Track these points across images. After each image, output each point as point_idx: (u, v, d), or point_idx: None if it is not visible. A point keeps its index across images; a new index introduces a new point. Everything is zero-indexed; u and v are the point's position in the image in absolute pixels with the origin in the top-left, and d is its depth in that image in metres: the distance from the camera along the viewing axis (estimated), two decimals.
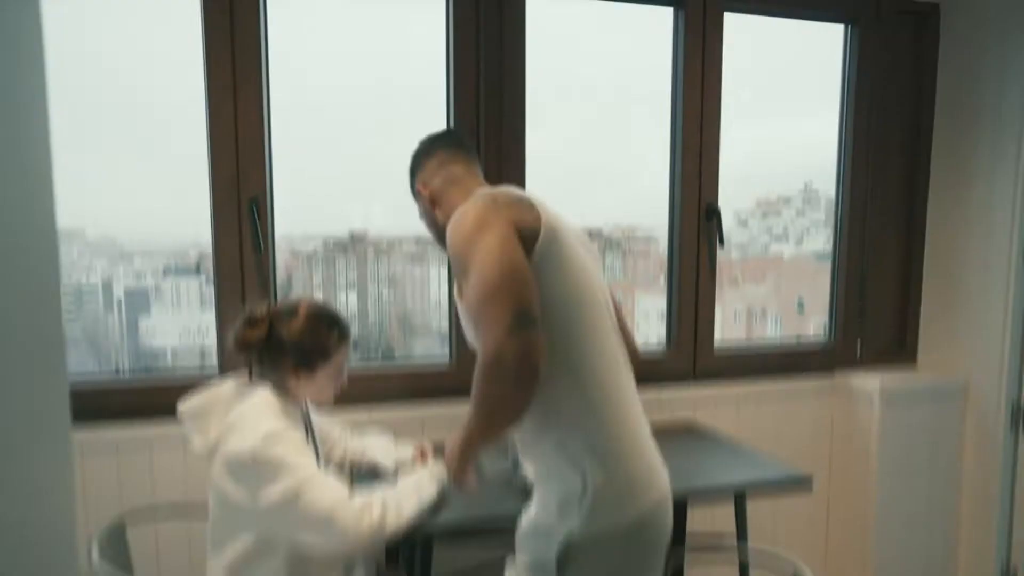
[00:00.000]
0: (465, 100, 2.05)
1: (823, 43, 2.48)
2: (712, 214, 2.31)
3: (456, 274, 1.23)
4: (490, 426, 1.19)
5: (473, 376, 1.14)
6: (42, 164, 0.44)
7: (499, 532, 1.82)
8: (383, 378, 2.05)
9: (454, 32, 2.04)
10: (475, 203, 1.20)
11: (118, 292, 2.26)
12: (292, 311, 1.49)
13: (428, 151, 1.44)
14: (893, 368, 2.52)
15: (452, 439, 1.29)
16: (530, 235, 1.18)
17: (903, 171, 2.51)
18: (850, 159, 2.45)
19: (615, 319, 1.33)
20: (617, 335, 1.31)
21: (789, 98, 2.51)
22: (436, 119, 2.09)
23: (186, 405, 1.49)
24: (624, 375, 1.29)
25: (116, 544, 1.58)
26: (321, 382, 1.51)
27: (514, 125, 2.09)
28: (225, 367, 1.84)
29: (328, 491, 1.36)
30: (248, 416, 1.42)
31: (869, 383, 2.37)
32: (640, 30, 2.31)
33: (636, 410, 1.29)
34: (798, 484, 1.72)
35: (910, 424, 2.37)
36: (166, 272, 2.32)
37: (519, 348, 1.08)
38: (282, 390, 1.50)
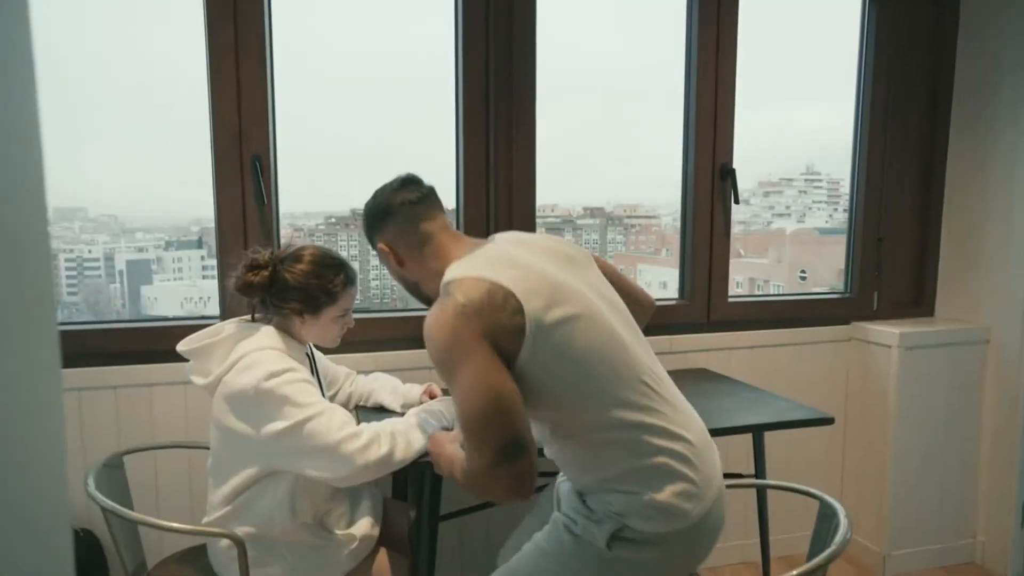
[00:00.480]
0: (474, 83, 2.02)
1: (834, 24, 2.46)
2: (727, 174, 2.28)
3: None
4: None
5: (458, 466, 1.14)
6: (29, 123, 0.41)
7: None
8: (389, 323, 2.02)
9: (464, 13, 2.00)
10: (446, 312, 1.09)
11: (120, 264, 2.23)
12: (297, 256, 1.46)
13: (387, 210, 1.28)
14: (910, 320, 2.48)
15: (448, 451, 1.24)
16: (513, 340, 1.08)
17: (922, 129, 2.48)
18: (867, 120, 2.42)
19: (624, 314, 1.26)
20: (634, 334, 1.24)
21: (797, 82, 2.48)
22: (444, 101, 2.05)
23: (187, 342, 1.46)
24: (657, 371, 1.22)
25: (114, 478, 1.56)
26: (326, 325, 1.48)
27: (524, 109, 2.06)
28: (226, 316, 1.81)
29: (336, 421, 1.33)
30: (252, 353, 1.38)
31: (887, 331, 2.33)
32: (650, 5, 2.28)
33: (682, 403, 1.23)
34: (820, 421, 1.68)
35: (929, 371, 2.33)
36: (168, 246, 2.29)
37: (506, 481, 1.06)
38: (286, 332, 1.47)
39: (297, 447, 1.32)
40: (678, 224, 2.36)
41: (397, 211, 1.28)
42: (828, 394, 2.45)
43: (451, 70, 2.04)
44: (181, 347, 1.47)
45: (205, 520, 1.44)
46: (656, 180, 2.40)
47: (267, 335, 1.43)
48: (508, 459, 1.05)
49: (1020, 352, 2.29)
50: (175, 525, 1.35)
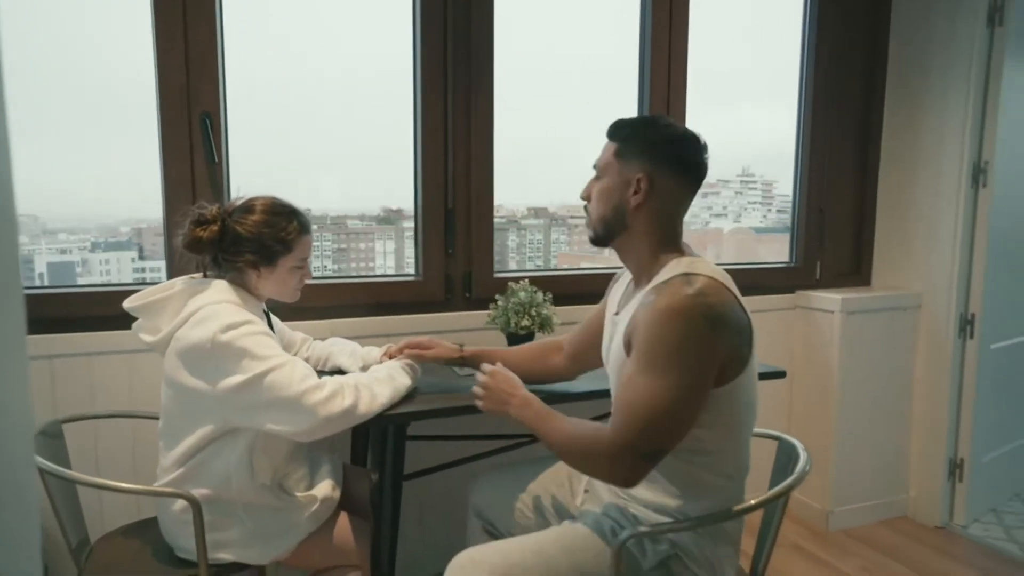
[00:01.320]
0: (433, 74, 2.00)
1: (773, 25, 2.56)
2: None
3: (629, 340, 1.13)
4: (553, 450, 1.19)
5: (585, 430, 1.13)
6: None
7: (469, 437, 1.79)
8: (348, 288, 1.98)
9: (421, 10, 1.98)
10: (696, 308, 1.05)
11: (40, 266, 2.02)
12: (247, 207, 1.42)
13: (687, 158, 1.18)
14: (849, 289, 2.60)
15: (528, 410, 1.22)
16: (736, 364, 1.11)
17: (859, 107, 2.61)
18: (811, 102, 2.53)
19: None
20: None
21: (735, 86, 2.55)
22: (400, 101, 2.01)
23: (135, 299, 1.39)
24: None
25: (53, 448, 1.47)
26: (283, 277, 1.43)
27: (482, 73, 2.05)
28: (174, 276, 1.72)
29: (297, 372, 1.29)
30: (208, 307, 1.33)
31: (830, 297, 2.44)
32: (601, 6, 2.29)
33: None
34: (773, 375, 1.74)
35: (868, 335, 2.45)
36: (95, 247, 2.12)
37: (628, 472, 1.08)
38: (241, 287, 1.42)
39: (257, 401, 1.27)
40: None
41: (692, 169, 1.18)
42: (775, 360, 2.53)
43: (408, 66, 2.02)
44: (128, 303, 1.39)
45: (156, 484, 1.38)
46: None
47: (221, 289, 1.38)
48: (647, 460, 1.08)
49: (948, 317, 2.44)
50: (124, 485, 1.29)
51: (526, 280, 1.94)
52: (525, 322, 1.81)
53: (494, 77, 2.07)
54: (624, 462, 1.07)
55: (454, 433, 1.80)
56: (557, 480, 1.49)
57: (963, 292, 2.43)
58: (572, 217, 2.62)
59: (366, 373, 1.42)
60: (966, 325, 2.44)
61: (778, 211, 2.67)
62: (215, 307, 1.32)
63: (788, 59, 2.56)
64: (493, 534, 1.57)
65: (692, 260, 1.17)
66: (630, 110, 2.35)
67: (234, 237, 1.39)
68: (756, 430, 1.49)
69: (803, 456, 1.21)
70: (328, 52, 1.99)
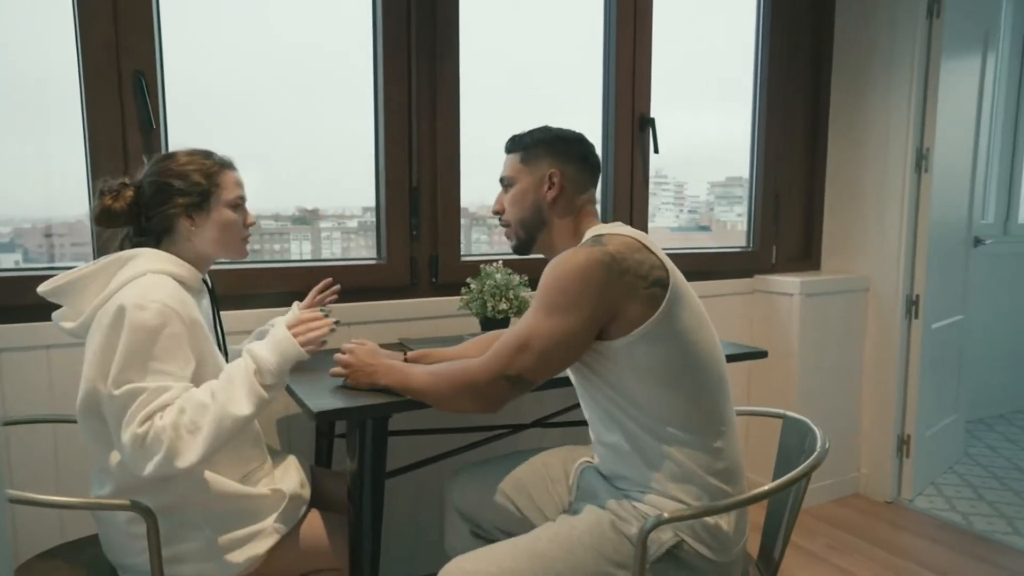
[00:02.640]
0: (396, 42, 1.85)
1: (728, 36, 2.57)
2: (646, 124, 2.29)
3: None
4: (425, 398, 1.20)
5: (453, 364, 1.17)
6: None
7: (447, 431, 1.68)
8: (304, 273, 1.79)
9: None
10: (592, 256, 1.09)
11: None
12: (165, 156, 1.26)
13: (583, 153, 1.28)
14: (801, 272, 2.66)
15: (394, 373, 1.24)
16: (642, 309, 1.09)
17: (807, 98, 2.68)
18: (765, 90, 2.56)
19: None
20: None
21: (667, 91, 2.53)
22: (358, 101, 1.86)
23: (51, 282, 1.18)
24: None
25: None
26: (224, 222, 1.26)
27: (447, 41, 1.92)
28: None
29: (154, 405, 1.05)
30: (140, 278, 1.14)
31: (789, 281, 2.47)
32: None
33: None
34: (754, 355, 1.72)
35: (823, 318, 2.50)
36: None
37: (492, 392, 1.12)
38: (178, 248, 1.24)
39: (109, 403, 1.07)
40: None
41: (591, 160, 1.29)
42: (736, 338, 2.55)
43: (368, 63, 1.87)
44: (44, 288, 1.18)
45: (95, 495, 1.18)
46: None
47: (153, 257, 1.19)
48: (511, 384, 1.12)
49: (896, 298, 2.53)
50: (61, 499, 1.08)
51: (499, 262, 1.83)
52: (503, 305, 1.70)
53: (459, 46, 1.94)
54: (489, 382, 1.11)
55: (430, 427, 1.67)
56: (543, 473, 1.40)
57: (908, 274, 2.52)
58: (490, 217, 2.56)
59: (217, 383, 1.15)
60: (911, 306, 2.53)
61: (690, 211, 2.72)
62: (150, 277, 1.14)
63: (737, 53, 2.58)
64: (477, 534, 1.47)
65: (609, 226, 1.22)
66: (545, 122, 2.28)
67: (156, 188, 1.22)
68: (759, 408, 1.46)
69: (819, 435, 1.17)
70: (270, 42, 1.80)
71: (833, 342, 2.54)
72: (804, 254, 2.76)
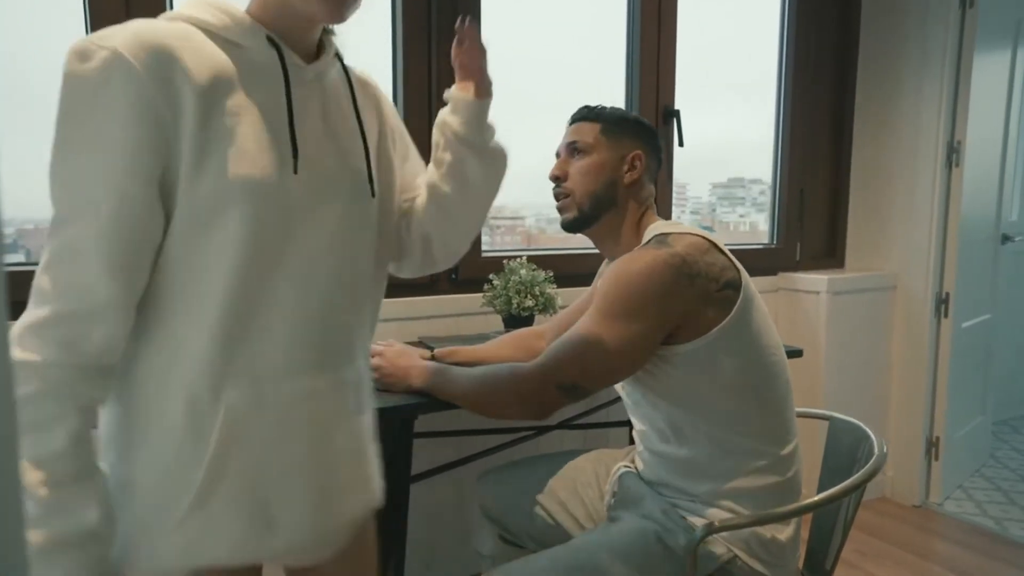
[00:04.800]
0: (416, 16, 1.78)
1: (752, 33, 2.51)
2: (670, 115, 2.23)
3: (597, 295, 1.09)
4: (466, 403, 1.13)
5: (498, 367, 1.11)
6: None
7: (474, 432, 1.61)
8: None
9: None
10: (659, 258, 1.03)
11: None
12: None
13: (657, 147, 1.24)
14: (825, 270, 2.59)
15: (430, 376, 1.17)
16: (714, 312, 1.04)
17: (833, 91, 2.60)
18: (790, 92, 2.50)
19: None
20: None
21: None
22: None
23: None
24: None
25: None
26: None
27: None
28: None
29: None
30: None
31: (816, 278, 2.41)
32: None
33: None
34: (791, 354, 1.65)
35: (851, 316, 2.43)
36: None
37: (543, 400, 1.06)
38: None
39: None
40: (542, 225, 2.34)
41: (659, 155, 1.25)
42: None
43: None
44: None
45: None
46: (521, 180, 2.27)
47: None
48: (563, 392, 1.05)
49: (924, 297, 2.46)
50: None
51: (523, 258, 1.77)
52: (529, 302, 1.64)
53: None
54: (539, 388, 1.05)
55: (457, 428, 1.61)
56: (573, 477, 1.34)
57: (938, 272, 2.45)
58: (495, 218, 2.52)
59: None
60: (941, 304, 2.46)
61: (691, 212, 2.66)
62: (144, 21, 0.70)
63: (764, 50, 2.51)
64: (507, 539, 1.41)
65: (670, 223, 1.17)
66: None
67: None
68: (806, 410, 1.39)
69: (875, 440, 1.11)
70: None
71: (860, 341, 2.47)
72: (828, 251, 2.69)
